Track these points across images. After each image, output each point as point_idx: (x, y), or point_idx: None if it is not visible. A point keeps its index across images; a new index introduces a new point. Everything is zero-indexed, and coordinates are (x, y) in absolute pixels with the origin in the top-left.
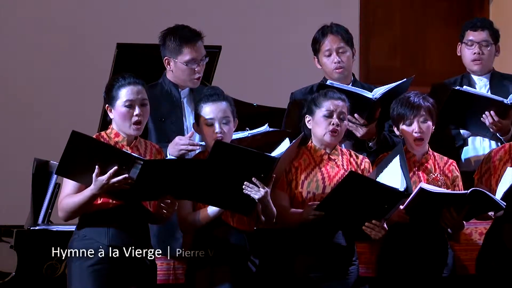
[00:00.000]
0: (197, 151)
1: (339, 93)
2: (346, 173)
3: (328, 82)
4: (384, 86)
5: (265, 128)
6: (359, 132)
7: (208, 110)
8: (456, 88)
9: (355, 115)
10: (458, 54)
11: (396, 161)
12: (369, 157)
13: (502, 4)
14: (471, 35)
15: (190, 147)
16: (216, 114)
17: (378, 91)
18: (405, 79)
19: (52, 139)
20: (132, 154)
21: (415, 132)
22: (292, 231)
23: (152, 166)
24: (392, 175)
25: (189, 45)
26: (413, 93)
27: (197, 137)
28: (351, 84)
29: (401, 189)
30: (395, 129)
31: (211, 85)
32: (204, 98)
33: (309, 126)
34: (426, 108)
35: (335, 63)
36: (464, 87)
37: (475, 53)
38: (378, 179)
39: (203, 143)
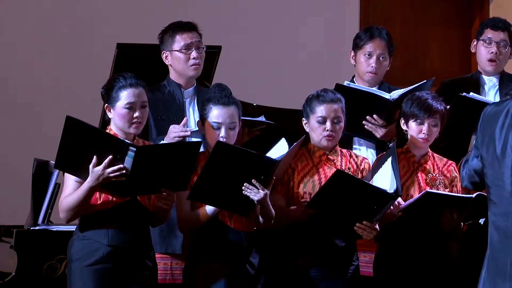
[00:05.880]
0: (192, 138)
1: (333, 94)
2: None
3: (345, 83)
4: (404, 88)
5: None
6: (379, 133)
7: (217, 114)
8: (462, 94)
9: (374, 116)
10: (473, 51)
11: (388, 163)
12: None
13: (502, 4)
14: (490, 34)
15: (182, 133)
16: (224, 119)
17: (396, 92)
18: (425, 81)
19: (52, 139)
20: (125, 140)
21: (423, 133)
22: (292, 230)
23: (146, 152)
24: (385, 177)
25: (182, 31)
26: (431, 95)
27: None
28: (377, 86)
29: (391, 191)
30: (402, 123)
31: (218, 83)
32: (213, 99)
33: (306, 129)
34: (440, 113)
35: (372, 66)
36: (471, 93)
37: (492, 53)
38: (372, 180)
39: (194, 128)
